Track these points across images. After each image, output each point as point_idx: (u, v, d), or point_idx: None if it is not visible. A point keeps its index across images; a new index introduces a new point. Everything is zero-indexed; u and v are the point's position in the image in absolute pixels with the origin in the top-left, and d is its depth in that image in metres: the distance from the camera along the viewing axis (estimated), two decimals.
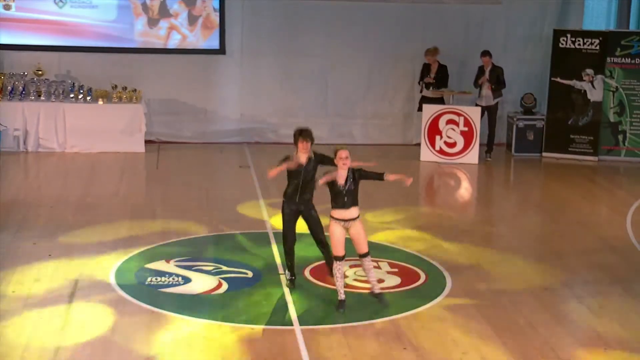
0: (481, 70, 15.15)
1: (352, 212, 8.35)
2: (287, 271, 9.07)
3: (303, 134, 8.71)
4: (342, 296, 8.49)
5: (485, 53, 15.09)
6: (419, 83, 15.49)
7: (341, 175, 8.30)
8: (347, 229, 8.43)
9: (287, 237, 8.95)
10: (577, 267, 9.99)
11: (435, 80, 15.20)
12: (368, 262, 8.54)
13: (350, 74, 16.25)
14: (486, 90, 15.06)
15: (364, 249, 8.46)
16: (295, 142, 8.76)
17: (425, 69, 15.34)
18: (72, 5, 15.46)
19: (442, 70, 15.25)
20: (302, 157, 8.74)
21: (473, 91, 15.25)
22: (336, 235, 8.41)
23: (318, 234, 8.96)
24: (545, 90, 15.93)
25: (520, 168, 15.14)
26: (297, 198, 8.80)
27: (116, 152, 14.92)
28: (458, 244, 10.67)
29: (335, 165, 8.39)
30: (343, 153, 8.25)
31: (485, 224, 11.81)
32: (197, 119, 16.06)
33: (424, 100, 15.27)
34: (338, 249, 8.42)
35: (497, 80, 15.05)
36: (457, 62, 15.42)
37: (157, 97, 15.78)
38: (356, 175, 8.34)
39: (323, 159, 8.79)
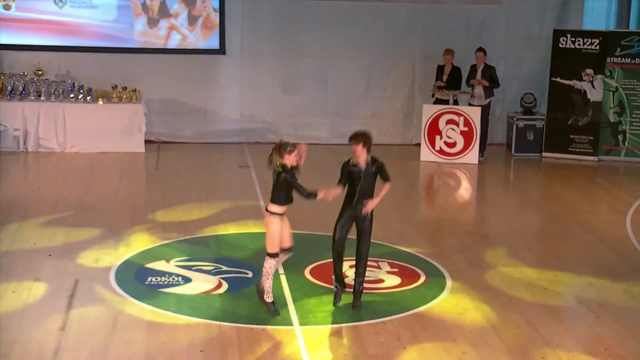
0: (473, 69, 15.14)
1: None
2: (334, 283, 8.67)
3: (353, 136, 8.34)
4: (270, 298, 8.32)
5: (481, 49, 15.10)
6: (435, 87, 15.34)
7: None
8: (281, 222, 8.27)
9: (335, 239, 8.49)
10: (577, 267, 9.99)
11: (446, 82, 15.13)
12: (283, 257, 8.42)
13: (350, 73, 16.25)
14: (478, 90, 15.06)
15: (290, 243, 8.42)
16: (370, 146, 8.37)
17: (439, 71, 15.26)
18: (72, 5, 15.46)
19: (455, 72, 15.19)
20: (361, 162, 8.37)
21: (478, 93, 15.21)
22: (278, 231, 8.21)
23: (364, 245, 8.52)
24: (545, 90, 15.93)
25: (520, 168, 15.14)
26: (354, 202, 8.42)
27: (116, 152, 14.91)
28: (458, 244, 10.67)
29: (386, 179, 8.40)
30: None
31: (485, 224, 11.82)
32: (197, 119, 16.05)
33: (437, 102, 15.23)
34: (277, 245, 8.24)
35: (491, 79, 15.05)
36: (457, 62, 15.39)
37: (157, 97, 15.78)
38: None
39: (382, 170, 8.44)
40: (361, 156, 8.37)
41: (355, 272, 8.64)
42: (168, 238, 10.51)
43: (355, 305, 8.57)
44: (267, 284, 8.30)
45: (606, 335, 8.11)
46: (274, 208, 8.21)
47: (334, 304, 8.59)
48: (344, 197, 8.51)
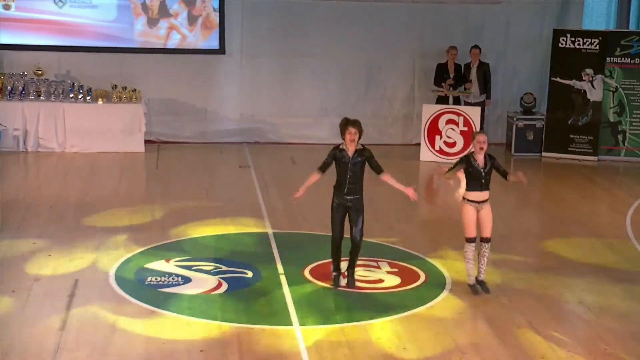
0: (467, 67, 15.15)
1: (485, 194, 8.85)
2: (332, 268, 8.96)
3: (350, 122, 8.65)
4: (471, 280, 8.95)
5: (476, 46, 15.14)
6: (439, 85, 15.30)
7: (480, 160, 8.78)
8: (478, 211, 8.85)
9: (333, 231, 8.83)
10: (577, 267, 9.99)
11: (454, 81, 15.19)
12: (487, 248, 8.89)
13: (350, 74, 16.24)
14: (474, 88, 15.11)
15: (487, 233, 8.89)
16: (343, 133, 8.69)
17: (441, 69, 15.27)
18: (72, 5, 15.45)
19: (459, 69, 15.24)
20: (350, 148, 8.67)
21: (473, 90, 15.25)
22: (468, 217, 8.82)
23: (355, 236, 8.81)
24: (545, 90, 15.94)
25: (520, 168, 15.03)
26: (344, 191, 8.70)
27: (116, 152, 14.91)
28: (458, 243, 10.64)
29: (377, 172, 8.78)
30: (482, 137, 8.76)
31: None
32: (197, 119, 16.05)
33: (440, 100, 15.25)
34: (470, 230, 8.82)
35: (484, 79, 15.10)
36: (457, 62, 15.40)
37: (157, 97, 15.78)
38: (492, 162, 8.85)
39: (370, 159, 8.73)
40: (354, 143, 8.64)
41: (349, 262, 8.93)
42: (168, 238, 10.51)
43: (349, 283, 8.92)
44: (468, 267, 8.92)
45: (606, 335, 8.12)
46: (465, 194, 8.91)
47: (335, 287, 8.89)
48: (334, 188, 8.78)
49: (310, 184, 8.84)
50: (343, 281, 8.99)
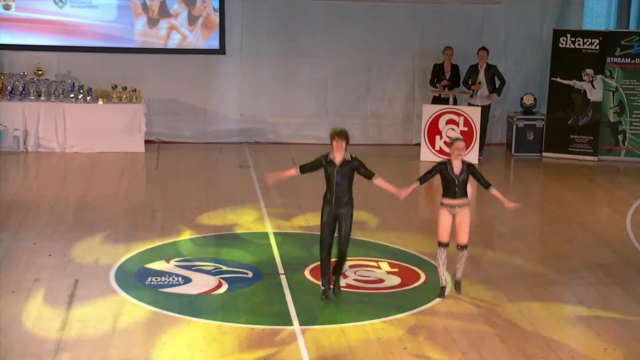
0: (474, 69, 15.14)
1: (460, 201, 8.76)
2: (322, 281, 8.74)
3: (337, 133, 8.61)
4: (443, 282, 8.88)
5: (484, 48, 15.13)
6: (434, 85, 15.34)
7: (456, 166, 8.75)
8: (453, 216, 8.77)
9: (323, 242, 8.66)
10: (577, 267, 9.99)
11: (450, 81, 15.20)
12: (464, 255, 8.85)
13: (349, 73, 16.24)
14: (482, 90, 15.10)
15: (463, 240, 8.81)
16: (331, 141, 8.66)
17: (437, 69, 15.27)
18: (72, 5, 15.45)
19: (455, 70, 15.25)
20: (337, 157, 8.60)
21: (481, 93, 15.22)
22: (441, 221, 8.77)
23: (342, 245, 8.70)
24: (545, 90, 15.94)
25: (520, 168, 15.14)
26: (332, 201, 8.58)
27: (116, 152, 14.91)
28: None
29: (368, 178, 8.70)
30: (460, 144, 8.76)
31: (485, 224, 11.81)
32: (197, 119, 16.05)
33: (436, 100, 15.26)
34: (443, 235, 8.78)
35: (494, 78, 15.09)
36: (457, 62, 15.40)
37: (157, 97, 15.77)
38: (469, 169, 8.76)
39: (360, 167, 8.64)
40: (340, 150, 8.57)
41: (334, 270, 8.78)
42: (168, 238, 10.51)
43: (335, 290, 8.76)
44: (440, 270, 8.91)
45: (606, 335, 8.12)
46: (442, 199, 8.87)
47: (324, 300, 8.69)
48: (323, 199, 8.66)
49: (286, 176, 8.89)
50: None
